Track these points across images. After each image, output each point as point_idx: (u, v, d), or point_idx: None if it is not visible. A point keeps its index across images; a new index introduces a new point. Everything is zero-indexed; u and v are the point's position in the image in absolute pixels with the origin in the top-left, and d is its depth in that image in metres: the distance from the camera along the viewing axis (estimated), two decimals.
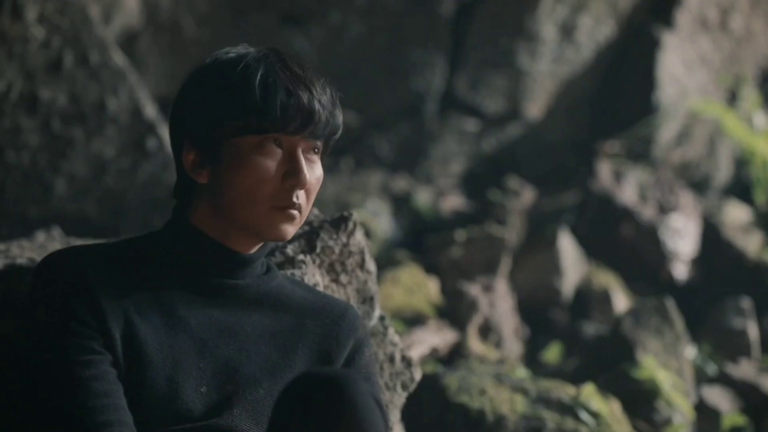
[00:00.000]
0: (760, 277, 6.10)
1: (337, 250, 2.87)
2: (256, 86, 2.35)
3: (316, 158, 2.42)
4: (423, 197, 6.28)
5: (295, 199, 2.36)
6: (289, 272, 2.72)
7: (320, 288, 2.80)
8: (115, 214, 4.51)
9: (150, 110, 4.51)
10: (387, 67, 6.40)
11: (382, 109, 6.47)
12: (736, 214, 6.63)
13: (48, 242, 3.07)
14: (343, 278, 2.90)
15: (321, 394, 2.14)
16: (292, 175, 2.36)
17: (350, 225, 2.89)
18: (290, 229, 2.38)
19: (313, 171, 2.40)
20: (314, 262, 2.83)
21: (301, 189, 2.37)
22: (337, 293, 2.88)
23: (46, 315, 2.30)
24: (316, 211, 2.95)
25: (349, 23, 6.32)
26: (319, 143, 2.41)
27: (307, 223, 2.90)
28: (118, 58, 4.46)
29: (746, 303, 5.62)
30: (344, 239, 2.88)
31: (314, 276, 2.81)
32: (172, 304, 2.37)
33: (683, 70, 6.89)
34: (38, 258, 2.72)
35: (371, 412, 2.15)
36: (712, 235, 6.29)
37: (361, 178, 6.29)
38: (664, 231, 6.11)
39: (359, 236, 2.91)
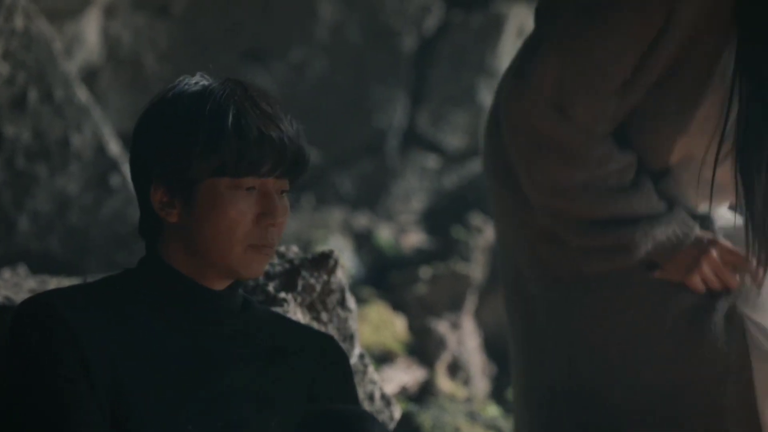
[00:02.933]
0: None
1: (318, 288, 2.84)
2: (230, 128, 2.30)
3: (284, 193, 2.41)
4: (385, 234, 6.26)
5: (270, 239, 2.35)
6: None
7: None
8: (78, 251, 4.44)
9: (114, 147, 4.46)
10: (349, 103, 6.39)
11: (343, 145, 6.46)
12: None
13: (21, 280, 3.01)
14: (324, 316, 2.87)
15: None
16: (268, 215, 2.33)
17: (331, 263, 2.86)
18: (264, 266, 2.37)
19: (284, 207, 2.38)
20: (296, 300, 2.80)
21: (276, 228, 2.35)
22: None
23: (28, 363, 2.25)
24: (296, 249, 2.92)
25: (311, 60, 6.31)
26: (288, 180, 2.40)
27: (288, 260, 2.87)
28: (82, 94, 4.41)
29: None
30: (325, 277, 2.85)
31: (296, 314, 2.78)
32: (155, 343, 2.33)
33: None
34: (14, 296, 2.67)
35: None
36: None
37: (322, 215, 6.26)
38: None
39: (340, 274, 2.88)
